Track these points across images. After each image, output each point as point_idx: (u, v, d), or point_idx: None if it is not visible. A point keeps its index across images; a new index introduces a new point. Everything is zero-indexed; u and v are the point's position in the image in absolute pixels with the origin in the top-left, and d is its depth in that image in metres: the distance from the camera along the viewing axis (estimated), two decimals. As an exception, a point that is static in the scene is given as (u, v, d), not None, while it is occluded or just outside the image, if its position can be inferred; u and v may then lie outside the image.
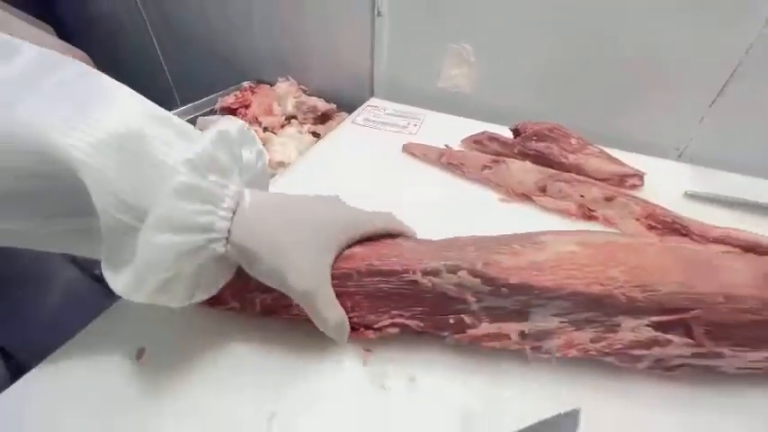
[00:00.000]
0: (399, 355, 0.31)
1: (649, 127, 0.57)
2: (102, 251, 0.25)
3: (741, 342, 0.27)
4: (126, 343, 0.31)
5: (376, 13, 0.64)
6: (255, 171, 0.29)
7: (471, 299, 0.29)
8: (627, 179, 0.49)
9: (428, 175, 0.52)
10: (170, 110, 0.45)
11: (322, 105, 0.69)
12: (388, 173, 0.53)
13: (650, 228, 0.42)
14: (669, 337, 0.27)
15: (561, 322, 0.28)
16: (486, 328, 0.29)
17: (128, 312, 0.34)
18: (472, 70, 0.63)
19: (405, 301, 0.30)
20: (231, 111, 0.74)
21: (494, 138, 0.54)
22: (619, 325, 0.27)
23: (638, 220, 0.42)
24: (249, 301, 0.32)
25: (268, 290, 0.29)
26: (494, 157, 0.50)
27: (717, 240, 0.40)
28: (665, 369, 0.28)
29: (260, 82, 0.82)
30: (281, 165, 0.57)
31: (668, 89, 0.53)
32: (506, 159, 0.49)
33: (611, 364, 0.29)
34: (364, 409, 0.28)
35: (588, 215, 0.44)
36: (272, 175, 0.52)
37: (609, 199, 0.44)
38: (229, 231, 0.26)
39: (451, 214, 0.44)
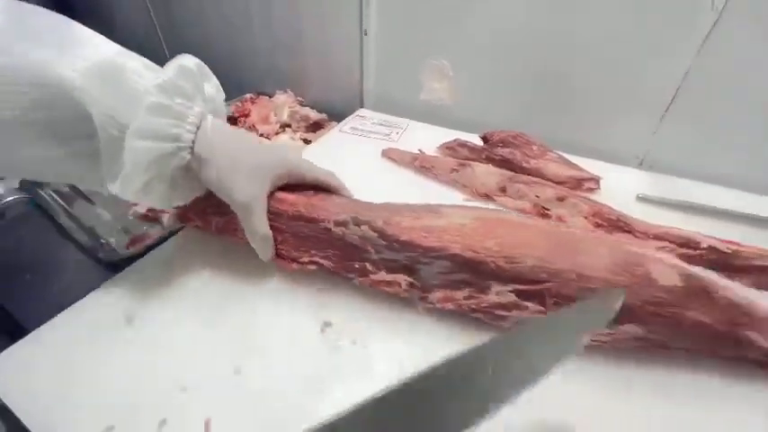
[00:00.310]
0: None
1: (611, 137, 0.61)
2: (103, 167, 0.32)
3: None
4: (119, 305, 0.38)
5: (363, 32, 0.70)
6: (216, 103, 0.37)
7: (371, 249, 0.35)
8: (584, 182, 0.53)
9: (403, 177, 0.57)
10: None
11: (314, 115, 0.75)
12: (367, 174, 0.58)
13: (597, 225, 0.46)
14: (527, 303, 0.32)
15: (443, 280, 0.34)
16: (383, 275, 0.35)
17: (121, 284, 0.40)
18: (451, 84, 0.69)
19: (321, 245, 0.37)
20: (232, 119, 0.81)
21: (464, 144, 0.59)
22: (489, 288, 0.32)
23: (586, 218, 0.46)
24: (207, 222, 0.40)
25: (222, 213, 0.38)
26: (461, 161, 0.55)
27: (656, 237, 0.44)
28: None
29: (261, 94, 0.89)
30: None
31: (625, 103, 0.57)
32: (471, 163, 0.54)
33: (482, 321, 0.34)
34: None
35: (543, 213, 0.49)
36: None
37: (561, 199, 0.48)
38: (193, 143, 0.33)
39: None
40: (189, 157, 0.33)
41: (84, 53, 0.30)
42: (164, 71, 0.32)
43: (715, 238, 0.43)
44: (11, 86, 0.28)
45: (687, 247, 0.42)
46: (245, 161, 0.35)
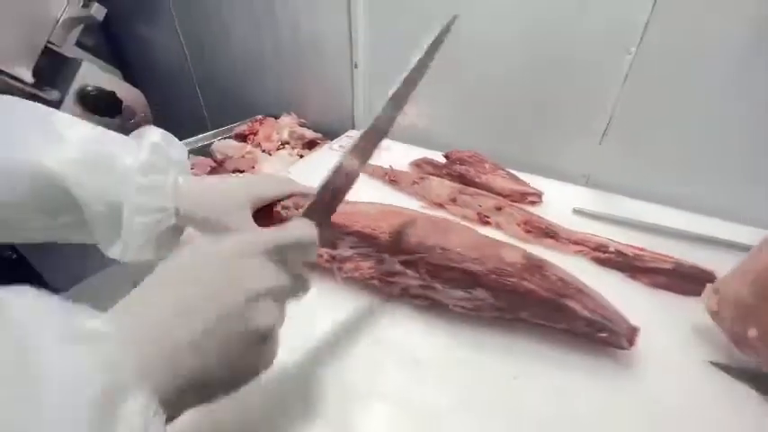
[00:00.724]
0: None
1: (560, 157, 0.69)
2: (97, 236, 0.38)
3: (447, 281, 0.40)
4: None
5: (354, 65, 0.82)
6: (182, 162, 0.42)
7: None
8: (527, 196, 0.61)
9: (375, 189, 0.67)
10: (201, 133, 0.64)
11: (309, 134, 0.86)
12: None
13: (527, 231, 0.54)
14: (408, 271, 0.41)
15: (354, 253, 0.43)
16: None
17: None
18: (423, 110, 0.79)
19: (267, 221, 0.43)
20: (243, 137, 0.93)
21: (429, 162, 0.69)
22: (383, 259, 0.42)
23: (519, 225, 0.54)
24: None
25: None
26: (421, 176, 0.64)
27: (575, 242, 0.52)
28: (411, 296, 0.42)
29: (270, 116, 1.02)
30: (267, 177, 0.74)
31: (569, 126, 0.66)
32: (429, 177, 0.63)
33: (377, 287, 0.43)
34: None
35: (484, 221, 0.57)
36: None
37: (499, 209, 0.56)
38: (176, 208, 0.39)
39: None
40: (173, 221, 0.39)
41: (67, 143, 0.34)
42: (140, 151, 0.37)
43: (623, 244, 0.50)
44: (9, 175, 0.32)
45: (599, 251, 0.50)
46: (226, 204, 0.40)
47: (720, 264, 0.44)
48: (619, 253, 0.49)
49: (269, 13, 0.90)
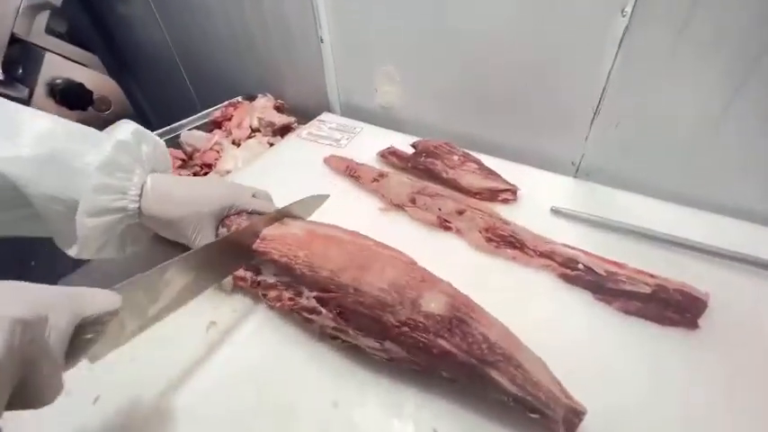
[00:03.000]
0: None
1: (547, 143, 0.59)
2: (54, 236, 0.37)
3: (359, 327, 0.34)
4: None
5: (320, 39, 0.73)
6: (156, 157, 0.41)
7: None
8: (499, 194, 0.53)
9: (334, 184, 0.61)
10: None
11: (278, 120, 0.80)
12: (306, 182, 0.62)
13: (489, 240, 0.47)
14: (322, 309, 0.35)
15: (276, 280, 0.39)
16: (241, 272, 0.41)
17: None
18: (398, 88, 0.70)
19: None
20: (217, 123, 0.89)
21: (394, 153, 0.61)
22: (302, 292, 0.37)
23: (480, 232, 0.48)
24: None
25: None
26: (381, 171, 0.57)
27: (542, 254, 0.45)
28: (329, 336, 0.37)
29: (250, 98, 0.96)
30: (228, 172, 0.70)
31: (558, 109, 0.56)
32: (389, 173, 0.56)
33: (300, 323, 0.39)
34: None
35: (445, 226, 0.50)
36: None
37: (460, 212, 0.49)
38: (140, 209, 0.38)
39: (339, 219, 0.52)
40: (136, 220, 0.38)
41: (21, 139, 0.33)
42: (102, 148, 0.35)
43: (597, 257, 0.42)
44: None
45: (566, 267, 0.43)
46: (191, 211, 0.40)
47: (722, 280, 0.36)
48: (588, 270, 0.41)
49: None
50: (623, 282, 0.39)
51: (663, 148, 0.51)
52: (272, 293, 0.40)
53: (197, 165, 0.77)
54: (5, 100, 0.35)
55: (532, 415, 0.29)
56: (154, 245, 0.46)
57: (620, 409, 0.32)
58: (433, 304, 0.32)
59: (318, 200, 0.48)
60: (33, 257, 0.60)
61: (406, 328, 0.31)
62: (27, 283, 0.22)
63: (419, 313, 0.31)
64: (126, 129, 0.39)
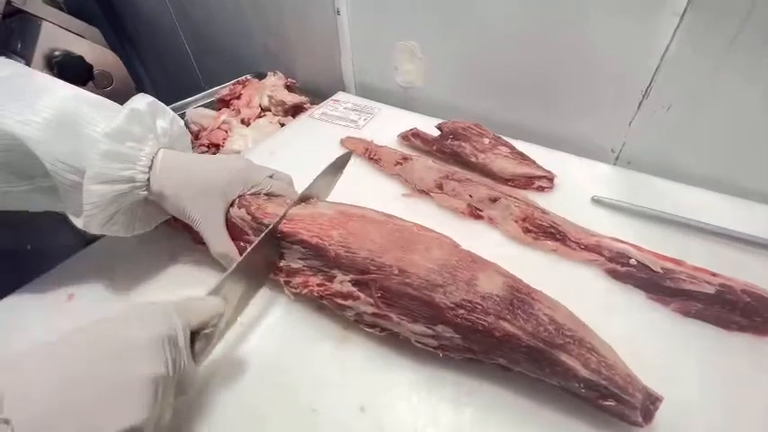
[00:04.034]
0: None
1: (584, 128, 0.55)
2: (66, 207, 0.36)
3: (404, 312, 0.31)
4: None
5: (336, 11, 0.68)
6: (172, 134, 0.39)
7: (249, 231, 0.38)
8: (534, 181, 0.49)
9: (354, 168, 0.56)
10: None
11: (290, 99, 0.75)
12: (321, 162, 0.58)
13: (526, 230, 0.43)
14: (359, 293, 0.32)
15: (303, 265, 0.35)
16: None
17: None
18: (421, 66, 0.65)
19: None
20: (225, 102, 0.84)
21: (417, 135, 0.57)
22: (335, 276, 0.33)
23: (516, 222, 0.43)
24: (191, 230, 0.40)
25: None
26: (404, 155, 0.53)
27: (588, 248, 0.41)
28: (366, 324, 0.34)
29: (258, 75, 0.91)
30: (237, 152, 0.65)
31: (599, 91, 0.51)
32: (414, 157, 0.52)
33: (334, 312, 0.35)
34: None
35: (475, 214, 0.46)
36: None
37: (493, 200, 0.45)
38: (149, 180, 0.36)
39: (357, 204, 0.49)
40: (145, 193, 0.36)
41: (39, 104, 0.32)
42: (115, 116, 0.34)
43: (651, 253, 0.38)
44: None
45: (616, 262, 0.39)
46: (195, 185, 0.37)
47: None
48: (642, 267, 0.37)
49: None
50: (683, 280, 0.35)
51: (717, 135, 0.46)
52: (298, 279, 0.36)
53: (203, 144, 0.72)
54: (31, 69, 0.36)
55: (606, 402, 0.26)
56: (158, 229, 0.42)
57: (678, 421, 0.29)
58: (491, 284, 0.29)
59: (339, 166, 0.46)
60: (30, 241, 0.56)
61: (462, 311, 0.28)
62: (152, 303, 0.27)
63: (476, 294, 0.28)
64: (142, 100, 0.38)
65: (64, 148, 0.33)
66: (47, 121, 0.32)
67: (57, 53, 0.78)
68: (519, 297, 0.29)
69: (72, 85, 0.36)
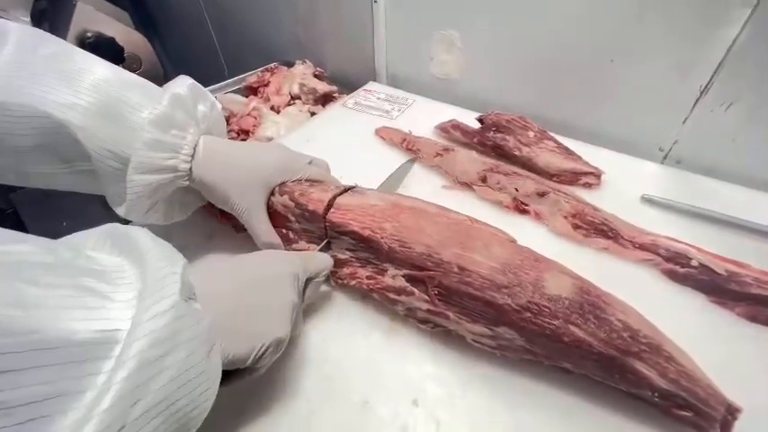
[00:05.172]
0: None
1: (632, 125, 0.53)
2: (106, 194, 0.36)
3: (463, 311, 0.30)
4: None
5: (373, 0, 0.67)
6: (211, 119, 0.39)
7: (291, 218, 0.37)
8: (581, 177, 0.48)
9: (390, 158, 0.55)
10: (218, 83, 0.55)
11: (321, 87, 0.74)
12: (355, 152, 0.57)
13: (576, 227, 0.41)
14: (413, 289, 0.31)
15: (350, 256, 0.34)
16: (302, 245, 0.37)
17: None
18: (459, 57, 0.64)
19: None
20: (253, 89, 0.83)
21: (457, 126, 0.55)
22: (386, 270, 0.32)
23: (565, 218, 0.42)
24: (231, 218, 0.40)
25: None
26: (445, 146, 0.52)
27: (642, 247, 0.39)
28: (418, 320, 0.32)
29: (286, 63, 0.90)
30: (269, 140, 0.64)
31: (650, 86, 0.49)
32: (456, 148, 0.51)
33: (381, 303, 0.35)
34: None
35: (521, 209, 0.45)
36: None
37: (541, 194, 0.44)
38: (191, 170, 0.35)
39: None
40: (187, 183, 0.36)
41: (81, 86, 0.31)
42: (158, 101, 0.34)
43: (713, 255, 0.37)
44: (21, 119, 0.30)
45: (675, 263, 0.37)
46: (238, 174, 0.37)
47: None
48: (704, 268, 0.36)
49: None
50: (749, 284, 0.33)
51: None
52: (345, 270, 0.35)
53: (233, 130, 0.71)
54: (72, 45, 0.34)
55: (681, 412, 0.25)
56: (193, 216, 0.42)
57: (747, 429, 0.27)
58: (559, 286, 0.27)
59: (403, 172, 0.48)
60: (65, 218, 0.56)
61: (528, 314, 0.27)
62: (281, 251, 0.35)
63: (542, 296, 0.27)
64: (183, 83, 0.37)
65: (107, 134, 0.32)
66: (90, 105, 0.31)
67: (89, 34, 0.78)
68: (589, 300, 0.27)
69: (112, 65, 0.35)
